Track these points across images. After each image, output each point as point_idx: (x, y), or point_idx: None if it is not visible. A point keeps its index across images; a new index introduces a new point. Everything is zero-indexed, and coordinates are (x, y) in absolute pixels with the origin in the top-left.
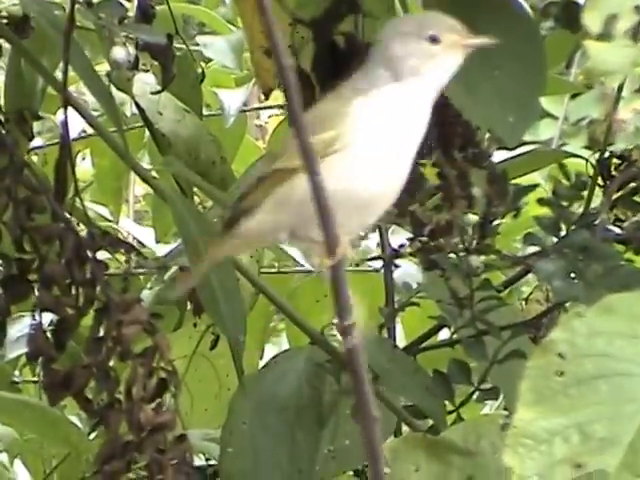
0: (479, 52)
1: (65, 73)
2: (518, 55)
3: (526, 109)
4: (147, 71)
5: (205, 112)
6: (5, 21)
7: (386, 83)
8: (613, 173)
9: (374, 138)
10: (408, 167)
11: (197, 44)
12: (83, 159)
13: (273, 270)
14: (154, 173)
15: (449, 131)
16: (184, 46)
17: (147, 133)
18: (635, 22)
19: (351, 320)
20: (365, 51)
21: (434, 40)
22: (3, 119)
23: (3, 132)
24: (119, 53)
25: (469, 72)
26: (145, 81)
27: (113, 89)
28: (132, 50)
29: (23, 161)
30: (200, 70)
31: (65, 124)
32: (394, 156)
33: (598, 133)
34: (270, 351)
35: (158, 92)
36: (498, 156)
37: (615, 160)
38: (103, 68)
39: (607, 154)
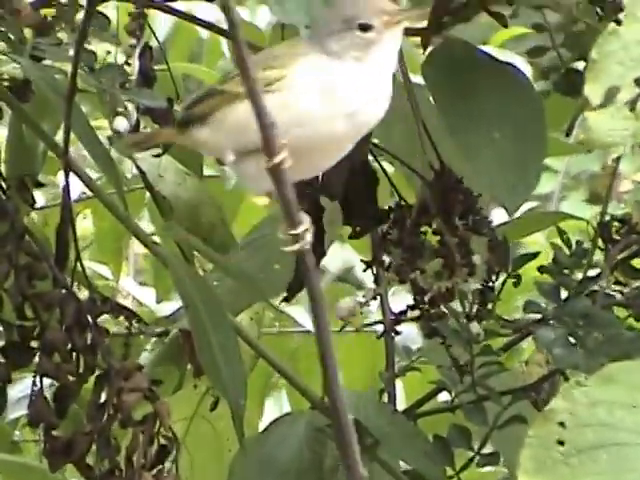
0: (479, 117)
1: (66, 139)
2: (518, 120)
3: (527, 175)
4: None
5: (205, 173)
6: (6, 84)
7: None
8: (614, 236)
9: (314, 85)
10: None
11: None
12: (84, 218)
13: (273, 330)
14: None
15: (450, 198)
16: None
17: (148, 194)
18: (635, 94)
19: (301, 228)
20: None
21: (365, 28)
22: (4, 185)
23: (4, 198)
24: (121, 123)
25: (469, 137)
26: None
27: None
28: (133, 113)
29: (24, 227)
30: None
31: (66, 189)
32: (333, 105)
33: (599, 187)
34: (270, 406)
35: (159, 155)
36: (498, 216)
37: (616, 224)
38: (102, 123)
39: (608, 217)
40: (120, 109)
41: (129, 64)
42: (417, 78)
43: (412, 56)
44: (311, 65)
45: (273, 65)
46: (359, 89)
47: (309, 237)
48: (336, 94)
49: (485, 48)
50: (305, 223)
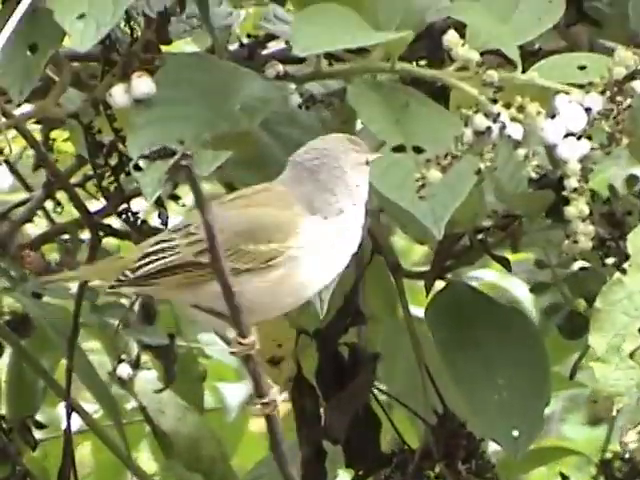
0: (483, 364)
1: (68, 381)
2: (522, 365)
3: (530, 421)
4: (149, 369)
5: (206, 405)
6: (7, 317)
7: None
8: (616, 474)
9: (315, 263)
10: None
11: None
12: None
13: None
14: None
15: (453, 443)
16: (186, 344)
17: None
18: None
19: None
20: (370, 361)
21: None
22: (6, 428)
23: (6, 441)
24: (123, 370)
25: (472, 384)
26: (147, 378)
27: None
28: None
29: (26, 470)
30: (202, 368)
31: (68, 430)
32: (328, 272)
33: (601, 412)
34: None
35: (160, 390)
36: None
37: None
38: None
39: (610, 455)
40: (123, 355)
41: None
42: (419, 310)
43: (414, 290)
44: (308, 236)
45: (263, 238)
46: (351, 239)
47: (279, 401)
48: (335, 257)
49: (487, 271)
50: (273, 392)
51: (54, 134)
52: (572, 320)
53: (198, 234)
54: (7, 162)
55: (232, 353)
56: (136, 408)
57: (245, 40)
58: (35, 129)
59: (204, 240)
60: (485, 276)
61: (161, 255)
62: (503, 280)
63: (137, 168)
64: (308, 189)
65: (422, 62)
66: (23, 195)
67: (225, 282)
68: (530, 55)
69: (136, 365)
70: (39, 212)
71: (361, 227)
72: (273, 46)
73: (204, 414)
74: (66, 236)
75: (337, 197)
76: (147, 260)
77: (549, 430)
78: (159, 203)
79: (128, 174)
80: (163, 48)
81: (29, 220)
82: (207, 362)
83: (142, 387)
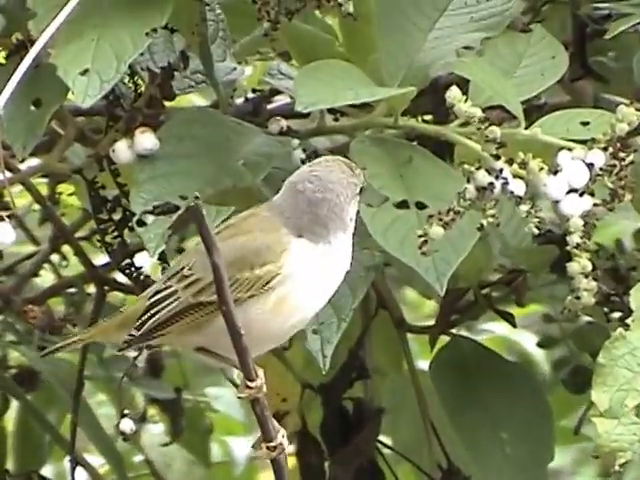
0: (487, 418)
1: (73, 435)
2: (526, 420)
3: (534, 477)
4: (156, 422)
5: (214, 458)
6: (13, 371)
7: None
8: None
9: (308, 282)
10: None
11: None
12: None
13: None
14: None
15: None
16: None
17: None
18: None
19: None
20: (374, 416)
21: None
22: None
23: None
24: (126, 425)
25: (476, 438)
26: (153, 432)
27: None
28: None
29: None
30: (209, 422)
31: None
32: (320, 296)
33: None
34: None
35: (167, 444)
36: None
37: None
38: None
39: None
40: (126, 410)
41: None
42: (424, 363)
43: (424, 343)
44: (299, 254)
45: (258, 262)
46: (340, 262)
47: (286, 445)
48: (328, 276)
49: (498, 325)
50: (280, 436)
51: (61, 187)
52: (577, 375)
53: (193, 274)
54: (14, 216)
55: (240, 397)
56: (143, 462)
57: (250, 95)
58: (42, 182)
59: (200, 278)
60: (496, 329)
61: (162, 305)
62: (514, 333)
63: (140, 223)
64: (303, 220)
65: (427, 117)
66: (30, 248)
67: (233, 324)
68: (536, 109)
69: (142, 419)
70: (46, 265)
71: (349, 253)
72: (279, 100)
73: (211, 468)
74: (73, 290)
75: (329, 230)
76: (149, 314)
77: None
78: (163, 258)
79: (132, 229)
80: (169, 103)
81: (35, 274)
82: (214, 416)
83: (149, 440)
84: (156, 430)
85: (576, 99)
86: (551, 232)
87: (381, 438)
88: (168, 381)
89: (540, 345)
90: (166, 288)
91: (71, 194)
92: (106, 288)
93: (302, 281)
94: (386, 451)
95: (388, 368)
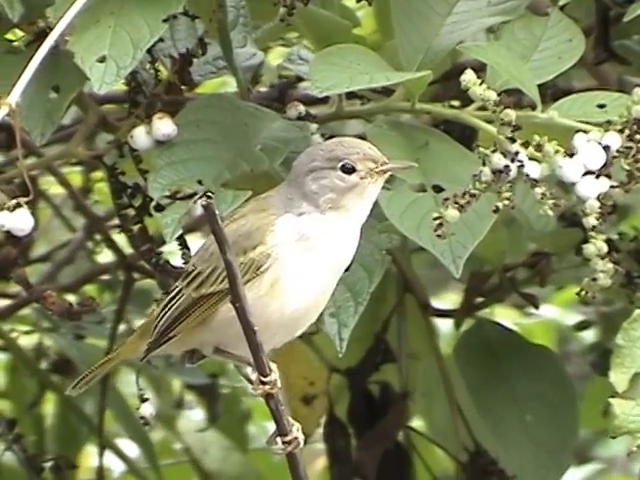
0: (511, 400)
1: (101, 418)
2: (551, 403)
3: (559, 459)
4: (192, 408)
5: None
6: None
7: (309, 212)
8: None
9: (299, 261)
10: (331, 285)
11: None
12: None
13: None
14: None
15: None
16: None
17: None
18: None
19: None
20: (400, 400)
21: (349, 170)
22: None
23: None
24: (147, 409)
25: (501, 420)
26: (191, 418)
27: None
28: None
29: None
30: (246, 407)
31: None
32: (317, 276)
33: None
34: None
35: (204, 429)
36: None
37: None
38: None
39: None
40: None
41: None
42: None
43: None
44: (285, 230)
45: (249, 245)
46: (336, 240)
47: (301, 439)
48: (318, 251)
49: (550, 307)
50: (294, 430)
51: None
52: (606, 358)
53: (195, 269)
54: (33, 202)
55: (254, 393)
56: (182, 449)
57: (276, 81)
58: (75, 171)
59: (200, 272)
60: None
61: (169, 307)
62: (564, 315)
63: (158, 209)
64: (292, 194)
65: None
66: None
67: (246, 320)
68: (563, 93)
69: (179, 405)
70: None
71: (355, 228)
72: (303, 87)
73: (249, 453)
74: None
75: (310, 202)
76: (159, 317)
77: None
78: (182, 244)
79: (151, 215)
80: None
81: (71, 261)
82: (253, 401)
83: (186, 426)
84: (193, 417)
85: (600, 82)
86: (575, 215)
87: (416, 422)
88: (204, 367)
89: (575, 328)
90: (174, 289)
91: (98, 181)
92: (135, 275)
93: (292, 262)
94: (415, 435)
95: (421, 352)
